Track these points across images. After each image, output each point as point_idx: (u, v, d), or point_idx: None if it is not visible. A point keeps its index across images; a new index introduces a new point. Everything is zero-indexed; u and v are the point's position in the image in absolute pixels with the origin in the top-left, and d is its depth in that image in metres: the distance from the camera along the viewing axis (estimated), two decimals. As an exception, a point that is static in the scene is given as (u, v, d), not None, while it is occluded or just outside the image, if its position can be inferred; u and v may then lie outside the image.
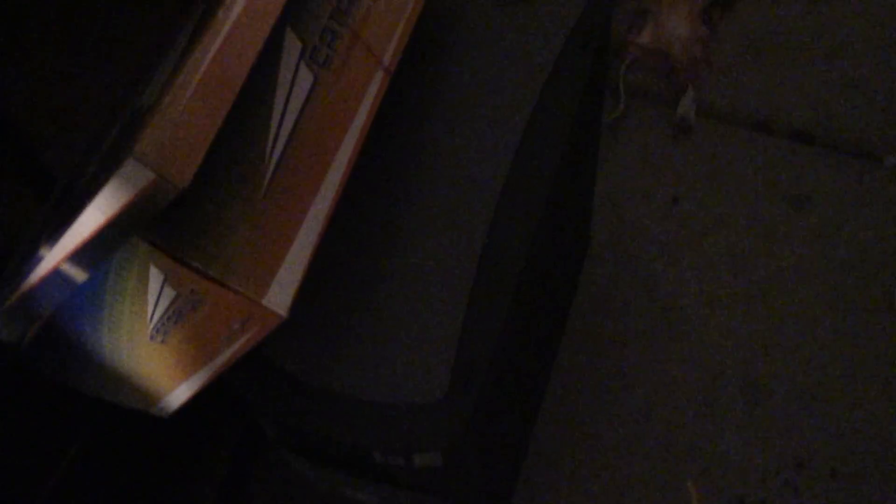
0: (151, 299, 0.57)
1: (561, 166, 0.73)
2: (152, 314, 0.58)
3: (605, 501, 1.07)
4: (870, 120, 1.27)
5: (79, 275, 0.55)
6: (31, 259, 0.57)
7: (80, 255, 0.54)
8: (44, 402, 0.77)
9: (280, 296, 0.56)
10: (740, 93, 1.31)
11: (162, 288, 0.55)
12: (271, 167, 0.57)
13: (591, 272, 1.20)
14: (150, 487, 0.88)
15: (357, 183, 0.71)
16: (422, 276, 0.67)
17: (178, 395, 0.66)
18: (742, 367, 1.12)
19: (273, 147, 0.58)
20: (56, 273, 0.55)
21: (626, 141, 1.29)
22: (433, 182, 0.71)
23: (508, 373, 0.75)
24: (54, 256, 0.54)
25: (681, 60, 1.34)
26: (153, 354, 0.62)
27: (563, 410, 1.12)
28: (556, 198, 0.76)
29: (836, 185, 1.23)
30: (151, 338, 0.60)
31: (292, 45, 0.61)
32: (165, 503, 0.92)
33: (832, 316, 1.14)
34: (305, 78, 0.61)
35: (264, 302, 0.55)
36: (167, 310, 0.57)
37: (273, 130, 0.59)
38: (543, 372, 1.07)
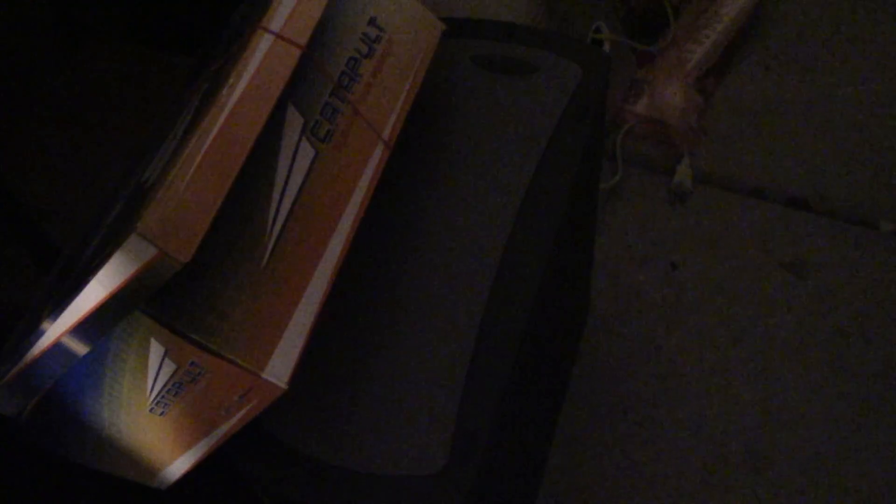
0: (152, 372, 0.57)
1: (560, 234, 0.74)
2: (152, 387, 0.58)
3: (608, 573, 1.05)
4: (865, 187, 1.29)
5: (80, 348, 0.55)
6: (33, 333, 0.58)
7: (82, 329, 0.54)
8: (43, 475, 0.76)
9: (280, 368, 0.56)
10: (736, 160, 1.33)
11: (162, 361, 0.56)
12: (272, 240, 0.58)
13: (591, 339, 1.20)
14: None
15: (356, 255, 0.72)
16: (421, 346, 0.68)
17: (177, 467, 0.65)
18: (744, 435, 1.12)
19: (274, 221, 0.59)
20: (57, 347, 0.56)
21: (623, 208, 1.30)
22: (432, 252, 0.72)
23: (509, 442, 0.75)
24: (56, 330, 0.55)
25: (676, 129, 1.36)
26: (152, 427, 0.62)
27: (563, 479, 1.11)
28: (556, 265, 0.77)
29: (833, 251, 1.24)
30: (151, 410, 0.60)
31: (294, 121, 0.62)
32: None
33: (833, 383, 1.14)
34: (307, 153, 0.62)
35: (264, 375, 0.56)
36: (167, 383, 0.57)
37: (274, 204, 0.59)
38: (545, 441, 1.06)
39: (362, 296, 0.70)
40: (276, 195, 0.60)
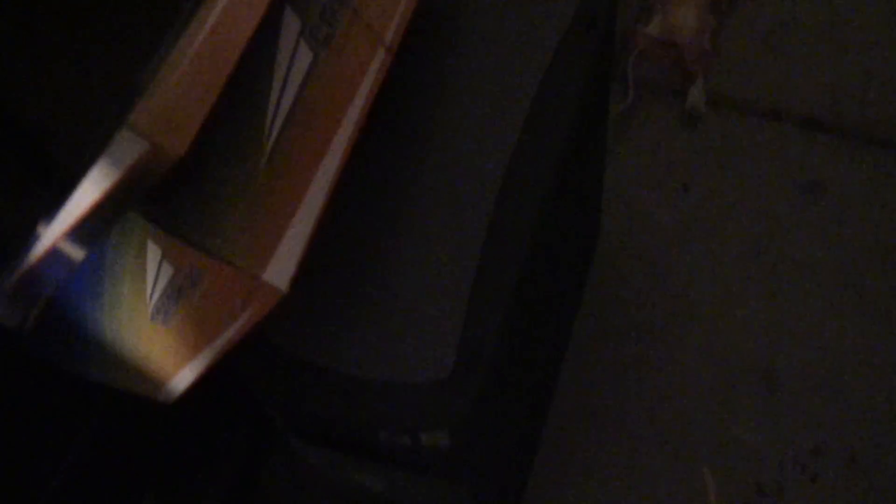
0: (150, 277, 0.56)
1: (566, 149, 0.72)
2: (152, 293, 0.57)
3: (620, 492, 1.05)
4: (882, 106, 1.26)
5: (77, 253, 0.54)
6: (29, 239, 0.57)
7: (78, 233, 0.53)
8: (50, 392, 0.76)
9: (280, 271, 0.55)
10: (750, 82, 1.30)
11: (160, 265, 0.55)
12: (271, 142, 0.57)
13: (603, 263, 1.19)
14: (159, 479, 0.88)
15: (359, 161, 0.71)
16: (427, 253, 0.66)
17: (182, 378, 0.65)
18: (757, 356, 1.11)
19: (272, 123, 0.57)
20: (54, 252, 0.55)
21: (635, 132, 1.28)
22: (436, 164, 0.70)
23: (516, 354, 0.74)
24: (51, 235, 0.54)
25: (689, 50, 1.32)
26: (155, 336, 0.61)
27: (575, 402, 1.10)
28: (562, 182, 0.75)
29: (849, 171, 1.21)
30: (152, 318, 0.59)
31: (291, 23, 0.61)
32: (175, 495, 0.91)
33: (847, 303, 1.13)
34: (305, 55, 0.61)
35: (264, 277, 0.55)
36: (166, 288, 0.56)
37: (272, 106, 0.58)
38: (554, 361, 1.06)
39: (366, 203, 0.69)
40: (273, 97, 0.58)
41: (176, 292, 0.57)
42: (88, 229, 0.53)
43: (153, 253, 0.54)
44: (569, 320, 1.11)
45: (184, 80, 0.51)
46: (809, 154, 1.23)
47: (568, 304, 1.07)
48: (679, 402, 1.09)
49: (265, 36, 0.59)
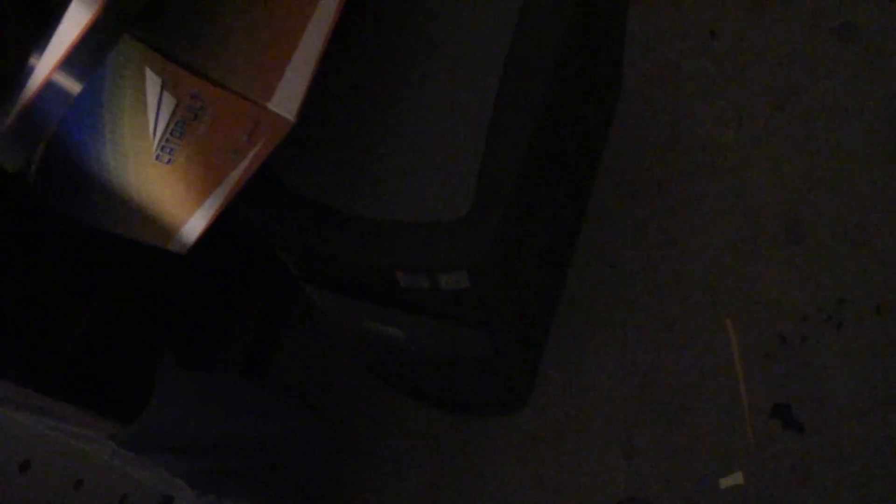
0: (151, 111, 0.53)
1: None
2: (154, 128, 0.54)
3: (642, 344, 1.04)
4: (924, -60, 1.18)
5: (73, 84, 0.51)
6: (23, 73, 0.54)
7: (72, 61, 0.50)
8: (65, 244, 0.75)
9: (287, 100, 0.52)
10: (783, -82, 1.22)
11: (161, 95, 0.52)
12: (271, -40, 0.53)
13: (626, 112, 1.14)
14: (177, 334, 0.88)
15: (374, 5, 0.66)
16: (443, 91, 0.63)
17: (194, 225, 0.63)
18: (784, 205, 1.08)
19: (272, -61, 0.53)
20: (50, 84, 0.52)
21: (659, -25, 1.21)
22: (450, 8, 0.66)
23: (536, 195, 0.72)
24: (45, 66, 0.51)
25: None
26: (161, 177, 0.59)
27: (598, 253, 1.08)
28: (582, 21, 0.71)
29: (885, 14, 1.15)
30: (157, 157, 0.57)
31: None
32: (194, 351, 0.91)
33: (879, 151, 1.09)
34: None
35: (270, 106, 0.52)
36: (169, 121, 0.54)
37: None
38: (576, 209, 1.03)
39: (380, 44, 0.65)
40: (273, -85, 0.54)
41: (179, 127, 0.54)
42: (82, 57, 0.50)
43: (153, 83, 0.51)
44: (591, 171, 1.08)
45: None
46: (844, -4, 1.17)
47: (590, 153, 1.04)
48: (702, 254, 1.07)
49: None
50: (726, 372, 1.02)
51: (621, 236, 1.09)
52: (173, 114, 0.53)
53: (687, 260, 1.07)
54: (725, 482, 0.99)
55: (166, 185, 0.59)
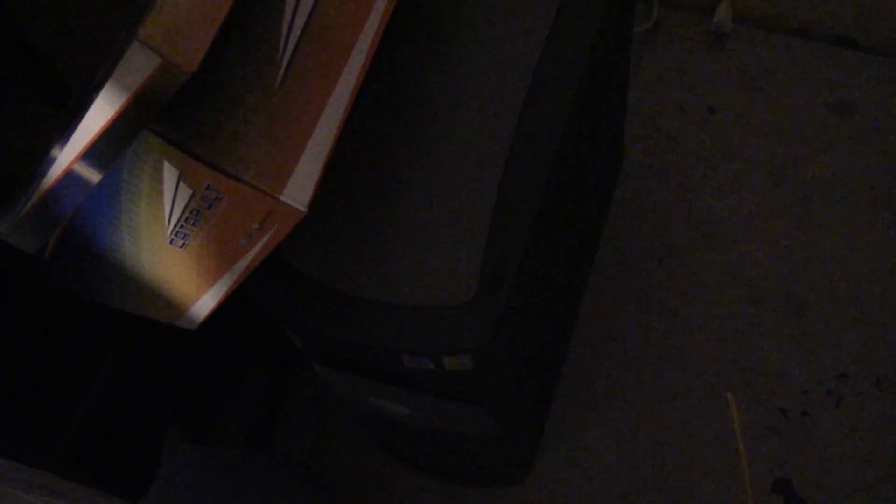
0: (168, 199, 0.55)
1: (588, 71, 0.70)
2: (170, 215, 0.56)
3: (643, 416, 1.05)
4: (916, 21, 1.22)
5: (93, 174, 0.53)
6: (45, 162, 0.56)
7: (93, 153, 0.52)
8: (74, 321, 0.76)
9: (299, 191, 0.54)
10: (779, -2, 1.26)
11: (177, 186, 0.54)
12: (286, 59, 0.55)
13: (626, 186, 1.17)
14: (183, 409, 0.88)
15: (378, 84, 0.69)
16: (448, 176, 0.65)
17: (203, 304, 0.64)
18: (783, 280, 1.09)
19: (287, 38, 0.55)
20: (70, 174, 0.54)
21: (659, 52, 1.24)
22: (456, 88, 0.68)
23: (539, 278, 0.73)
24: (67, 156, 0.53)
25: (716, -33, 1.28)
26: (174, 260, 0.60)
27: (598, 327, 1.10)
28: (584, 104, 0.73)
29: (880, 90, 1.18)
30: (171, 242, 0.58)
31: (304, -64, 0.58)
32: (199, 425, 0.92)
33: (876, 226, 1.11)
34: (319, -31, 0.59)
35: (282, 197, 0.54)
36: (184, 210, 0.55)
37: (287, 21, 0.56)
38: (577, 286, 1.05)
39: (385, 127, 0.67)
40: (287, 13, 0.56)
41: (194, 215, 0.56)
42: (103, 150, 0.52)
43: (170, 174, 0.53)
44: (592, 245, 1.10)
45: (194, -7, 0.49)
46: (839, 73, 1.20)
47: (591, 229, 1.05)
48: (702, 326, 1.08)
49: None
50: (728, 445, 1.02)
51: (622, 309, 1.10)
52: (188, 203, 0.55)
53: (688, 333, 1.08)
54: (728, 558, 0.99)
55: (179, 268, 0.61)
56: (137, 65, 0.47)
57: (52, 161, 0.54)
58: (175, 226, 0.57)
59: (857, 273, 1.09)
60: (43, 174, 0.55)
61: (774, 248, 1.11)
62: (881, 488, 0.99)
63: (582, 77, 0.69)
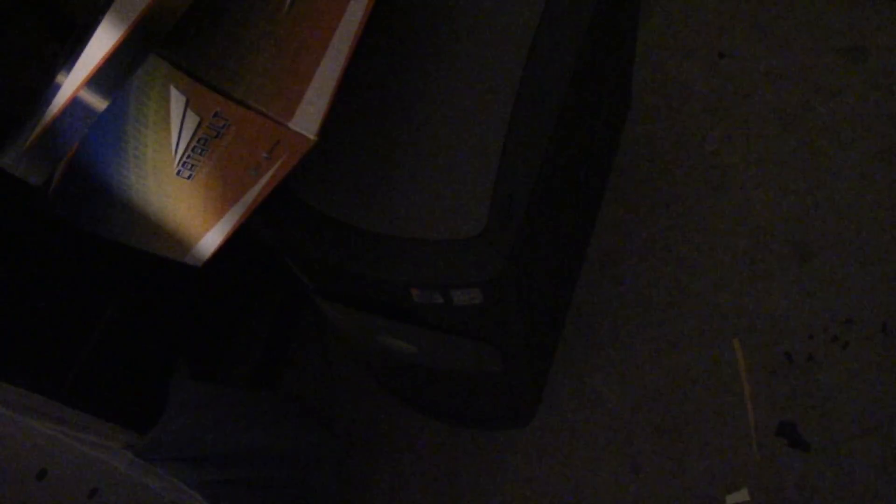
0: (175, 127, 0.54)
1: (598, 8, 0.69)
2: (177, 145, 0.55)
3: (648, 360, 1.05)
4: (931, -36, 1.19)
5: (99, 102, 0.53)
6: (49, 90, 0.55)
7: (99, 79, 0.51)
8: (81, 256, 0.76)
9: (308, 119, 0.53)
10: (791, -60, 1.24)
11: (184, 113, 0.53)
12: (294, -17, 0.54)
13: (634, 130, 1.16)
14: (191, 345, 0.88)
15: (388, 20, 0.68)
16: (458, 110, 0.64)
17: (211, 239, 0.64)
18: (790, 225, 1.09)
19: (295, -38, 0.54)
20: (76, 102, 0.53)
21: (668, -5, 1.23)
22: (467, 25, 0.67)
23: (549, 212, 0.73)
24: (72, 83, 0.52)
25: None
26: (181, 193, 0.60)
27: (605, 270, 1.09)
28: (594, 41, 0.72)
29: (892, 36, 1.16)
30: (178, 173, 0.58)
31: None
32: (207, 362, 0.92)
33: (886, 172, 1.10)
34: None
35: (291, 125, 0.53)
36: (192, 138, 0.55)
37: (294, -54, 0.55)
38: (584, 226, 1.04)
39: (395, 62, 0.66)
40: (295, -62, 0.55)
41: (202, 144, 0.55)
42: (109, 75, 0.51)
43: (177, 101, 0.52)
44: (600, 187, 1.09)
45: (202, -89, 0.48)
46: (850, 18, 1.18)
47: (599, 171, 1.05)
48: (708, 272, 1.08)
49: None
50: (732, 389, 1.03)
51: (629, 253, 1.10)
52: (196, 131, 0.54)
53: (694, 278, 1.08)
54: (731, 499, 0.99)
55: (186, 200, 0.61)
56: (144, -16, 0.46)
57: (56, 88, 0.53)
58: (182, 156, 0.56)
59: (864, 220, 1.08)
60: (48, 103, 0.54)
61: (782, 194, 1.10)
62: (885, 432, 0.99)
63: (592, 15, 0.68)
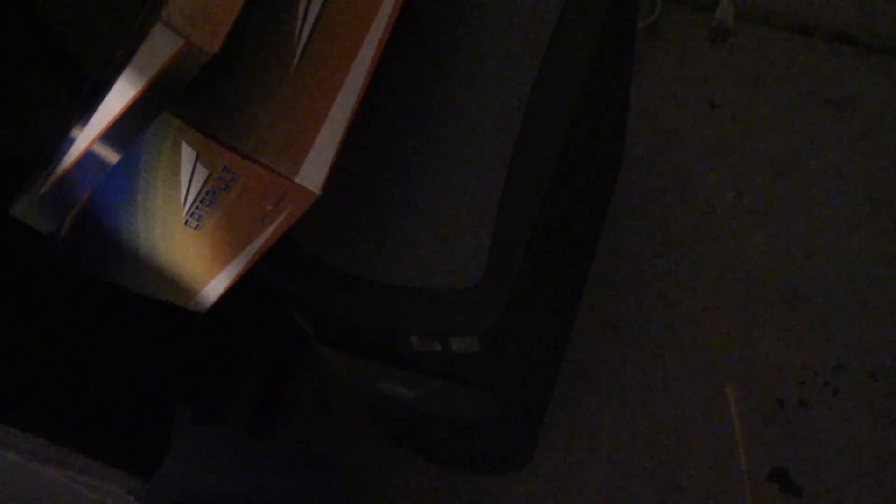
0: (184, 180, 0.56)
1: (592, 64, 0.71)
2: (185, 196, 0.57)
3: (643, 405, 1.06)
4: (916, 19, 1.23)
5: (112, 155, 0.55)
6: (64, 143, 0.57)
7: (113, 134, 0.53)
8: (86, 301, 0.77)
9: (313, 173, 0.55)
10: (781, -6, 1.27)
11: (194, 167, 0.55)
12: (302, 41, 0.56)
13: (628, 179, 1.18)
14: (191, 389, 0.90)
15: (390, 73, 0.70)
16: (457, 160, 0.66)
17: (215, 286, 0.66)
18: (781, 273, 1.11)
19: (303, 21, 0.57)
20: (89, 155, 0.55)
21: (661, 47, 1.26)
22: (465, 78, 0.69)
23: (546, 262, 0.74)
24: (86, 137, 0.54)
25: (719, -37, 1.29)
26: (188, 242, 0.61)
27: (600, 316, 1.11)
28: (589, 97, 0.74)
29: (880, 86, 1.19)
30: (186, 223, 0.60)
31: (320, -77, 0.59)
32: (206, 405, 0.93)
33: (873, 220, 1.12)
34: (334, -44, 0.60)
35: (297, 179, 0.55)
36: (200, 191, 0.57)
37: (303, 5, 0.57)
38: (581, 272, 1.06)
39: (397, 114, 0.69)
40: (303, -1, 0.58)
41: (210, 196, 0.57)
42: (123, 130, 0.53)
43: (188, 155, 0.54)
44: (595, 235, 1.11)
45: (216, -23, 0.50)
46: (840, 69, 1.21)
47: (594, 219, 1.07)
48: (701, 318, 1.10)
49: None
50: (725, 435, 1.04)
51: (623, 298, 1.12)
52: (205, 184, 0.56)
53: (687, 323, 1.09)
54: (724, 545, 1.00)
55: (192, 249, 0.62)
56: (160, 46, 0.48)
57: (71, 142, 0.55)
58: (191, 207, 0.58)
59: (853, 267, 1.10)
60: (62, 155, 0.56)
61: (773, 242, 1.12)
62: (876, 477, 1.00)
63: (589, 68, 0.70)
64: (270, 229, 0.60)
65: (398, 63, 0.70)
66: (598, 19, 0.71)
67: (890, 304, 1.08)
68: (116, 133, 0.53)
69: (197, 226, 0.60)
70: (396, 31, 0.72)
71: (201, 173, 0.55)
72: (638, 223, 1.15)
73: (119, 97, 0.51)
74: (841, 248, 1.11)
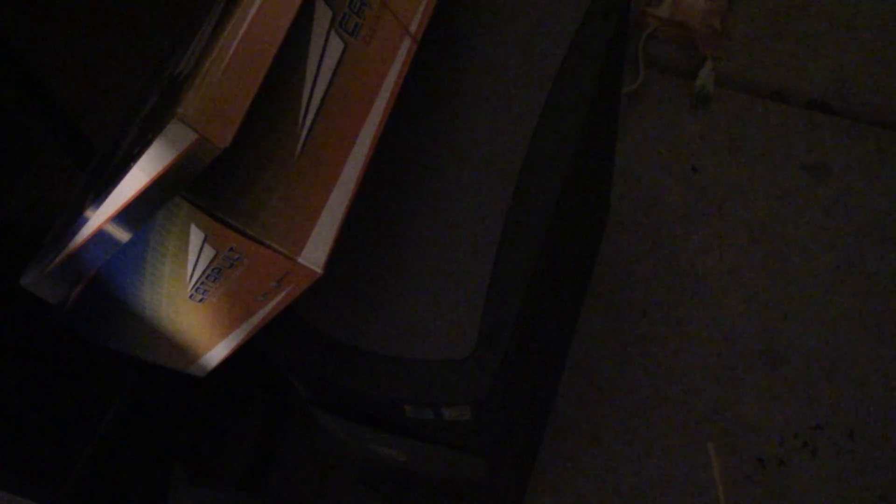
0: (192, 258, 0.59)
1: (583, 134, 0.75)
2: (192, 272, 0.60)
3: (627, 463, 1.09)
4: (889, 89, 1.28)
5: (122, 235, 0.57)
6: (76, 221, 0.60)
7: (125, 216, 0.56)
8: (85, 365, 0.79)
9: (315, 253, 0.58)
10: (758, 63, 1.32)
11: (202, 247, 0.58)
12: (305, 130, 0.59)
13: (612, 241, 1.21)
14: (186, 449, 0.91)
15: (386, 148, 0.73)
16: (449, 237, 0.69)
17: (216, 354, 0.68)
18: (761, 333, 1.14)
19: (306, 111, 0.60)
20: (101, 234, 0.58)
21: (644, 112, 1.30)
22: (458, 150, 0.73)
23: (533, 332, 0.77)
24: (99, 217, 0.57)
25: (699, 32, 1.34)
26: (192, 313, 0.64)
27: (584, 376, 1.14)
28: (579, 164, 0.78)
29: (854, 154, 1.24)
30: (191, 297, 0.62)
31: (323, 14, 0.63)
32: (200, 465, 0.95)
33: (851, 283, 1.16)
34: (336, 45, 0.63)
35: (300, 259, 0.58)
36: (207, 268, 0.59)
37: (306, 95, 0.60)
38: (566, 335, 1.09)
39: (393, 188, 0.72)
40: (307, 88, 0.61)
41: (215, 273, 0.60)
42: (134, 213, 0.56)
43: (196, 236, 0.57)
44: (579, 298, 1.14)
45: (228, 74, 0.53)
46: (815, 136, 1.26)
47: (580, 283, 1.10)
48: (683, 378, 1.12)
49: (299, 28, 0.61)
50: (708, 494, 1.06)
51: (607, 359, 1.14)
52: (211, 262, 0.59)
53: (670, 383, 1.12)
54: None
55: (195, 320, 0.65)
56: (176, 139, 0.51)
57: (84, 221, 0.58)
58: (196, 282, 0.61)
59: (830, 328, 1.13)
60: (74, 232, 0.59)
61: (752, 304, 1.16)
62: (854, 537, 1.03)
63: (577, 139, 0.74)
64: (272, 304, 0.62)
65: (394, 134, 0.74)
66: (589, 91, 0.75)
67: (865, 364, 1.11)
68: (128, 215, 0.56)
69: (201, 299, 0.63)
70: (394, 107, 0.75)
71: (208, 253, 0.58)
72: (623, 285, 1.18)
73: (133, 183, 0.54)
74: (818, 310, 1.14)
